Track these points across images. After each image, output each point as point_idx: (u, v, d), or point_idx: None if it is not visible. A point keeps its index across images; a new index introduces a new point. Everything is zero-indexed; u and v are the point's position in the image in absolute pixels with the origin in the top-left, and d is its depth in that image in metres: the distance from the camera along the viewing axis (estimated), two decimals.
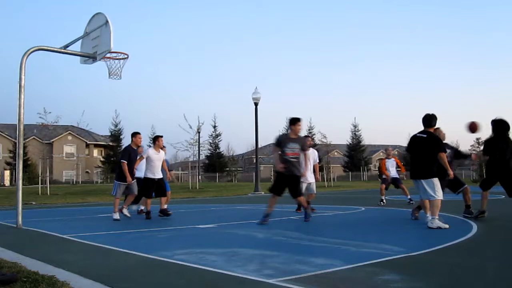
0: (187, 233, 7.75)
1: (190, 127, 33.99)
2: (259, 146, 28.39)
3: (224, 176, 58.58)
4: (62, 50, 9.46)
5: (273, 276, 4.04)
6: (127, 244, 6.20)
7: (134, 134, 9.99)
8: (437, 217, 7.32)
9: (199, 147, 35.82)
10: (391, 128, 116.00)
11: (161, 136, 10.14)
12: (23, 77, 8.86)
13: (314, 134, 61.79)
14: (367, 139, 69.42)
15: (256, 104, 24.71)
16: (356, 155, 63.69)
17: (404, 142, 74.61)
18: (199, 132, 34.75)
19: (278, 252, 5.35)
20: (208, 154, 58.57)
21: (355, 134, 64.77)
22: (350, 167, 62.73)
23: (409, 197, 13.44)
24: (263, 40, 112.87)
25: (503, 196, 16.80)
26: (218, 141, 61.28)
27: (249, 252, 5.39)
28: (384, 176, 13.97)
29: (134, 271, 4.49)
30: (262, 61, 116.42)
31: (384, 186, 13.82)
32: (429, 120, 7.71)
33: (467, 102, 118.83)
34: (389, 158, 14.19)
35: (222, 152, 63.19)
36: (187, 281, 4.07)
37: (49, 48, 9.35)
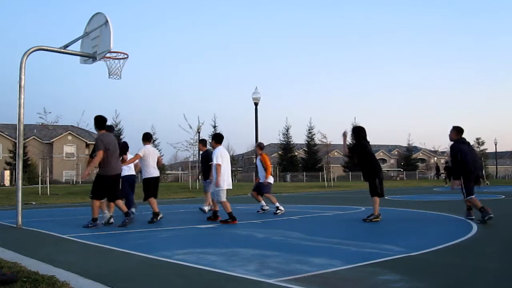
0: (187, 233, 7.74)
1: (190, 127, 33.88)
2: None
3: None
4: (62, 50, 9.46)
5: (273, 276, 4.04)
6: (127, 244, 6.19)
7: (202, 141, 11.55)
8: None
9: (199, 147, 35.73)
10: (391, 128, 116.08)
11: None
12: (23, 77, 8.86)
13: (314, 134, 61.72)
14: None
15: (256, 104, 24.69)
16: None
17: (404, 142, 74.71)
18: (199, 132, 34.66)
19: (278, 252, 5.34)
20: None
21: None
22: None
23: (262, 204, 10.99)
24: (264, 40, 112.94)
25: (503, 196, 16.83)
26: None
27: (249, 252, 5.39)
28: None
29: (134, 271, 4.48)
30: (262, 61, 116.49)
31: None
32: None
33: (466, 102, 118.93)
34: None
35: None
36: (187, 281, 4.06)
37: (49, 48, 9.35)
